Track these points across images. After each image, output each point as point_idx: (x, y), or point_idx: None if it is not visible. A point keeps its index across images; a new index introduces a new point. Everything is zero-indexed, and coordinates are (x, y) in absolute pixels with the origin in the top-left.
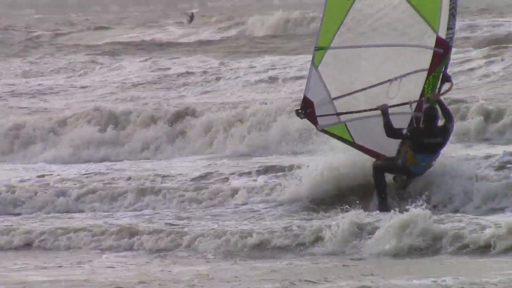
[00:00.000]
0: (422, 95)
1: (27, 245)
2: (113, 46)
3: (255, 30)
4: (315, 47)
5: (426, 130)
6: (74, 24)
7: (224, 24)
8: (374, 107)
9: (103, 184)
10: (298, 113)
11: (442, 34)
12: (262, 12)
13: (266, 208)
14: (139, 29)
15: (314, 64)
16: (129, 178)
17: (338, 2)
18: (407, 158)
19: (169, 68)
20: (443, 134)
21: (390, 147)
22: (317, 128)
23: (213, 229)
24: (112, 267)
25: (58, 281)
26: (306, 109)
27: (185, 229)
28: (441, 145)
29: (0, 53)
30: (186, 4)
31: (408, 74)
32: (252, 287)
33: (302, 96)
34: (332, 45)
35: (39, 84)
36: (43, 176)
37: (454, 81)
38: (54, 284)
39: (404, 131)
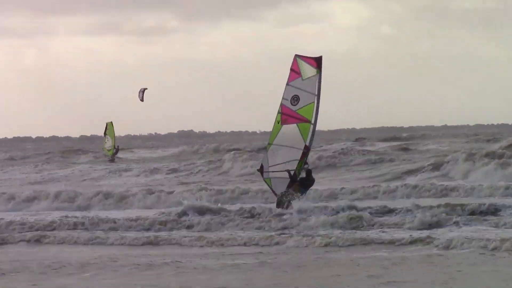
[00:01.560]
0: (297, 168)
1: None
2: None
3: None
4: (268, 143)
5: (306, 179)
6: None
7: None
8: (284, 171)
9: None
10: (257, 170)
11: (307, 143)
12: None
13: None
14: None
15: (267, 150)
16: None
17: (277, 126)
18: (295, 188)
19: None
20: (311, 181)
21: (281, 189)
22: (263, 177)
23: None
24: None
25: None
26: (261, 169)
27: None
28: (310, 186)
29: None
30: None
31: (292, 161)
32: None
33: (260, 163)
34: (273, 143)
35: None
36: None
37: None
38: None
39: (298, 178)
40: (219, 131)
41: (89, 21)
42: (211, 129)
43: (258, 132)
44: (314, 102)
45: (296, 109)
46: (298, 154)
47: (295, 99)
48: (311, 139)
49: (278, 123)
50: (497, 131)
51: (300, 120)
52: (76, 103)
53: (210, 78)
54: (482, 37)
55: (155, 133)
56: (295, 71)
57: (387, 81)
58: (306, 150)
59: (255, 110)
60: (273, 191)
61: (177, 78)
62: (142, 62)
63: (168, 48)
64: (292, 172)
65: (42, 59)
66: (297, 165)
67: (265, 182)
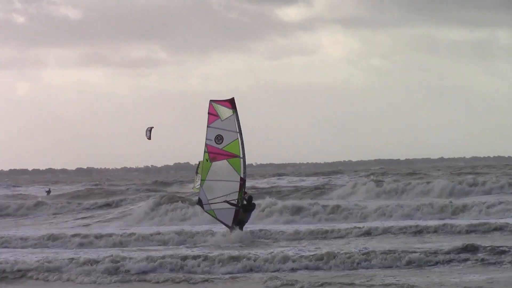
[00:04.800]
0: (238, 198)
1: None
2: None
3: None
4: (201, 179)
5: (248, 205)
6: None
7: None
8: (224, 202)
9: None
10: (197, 203)
11: (242, 175)
12: None
13: None
14: None
15: (201, 185)
16: None
17: (206, 163)
18: (241, 214)
19: None
20: (253, 206)
21: (229, 220)
22: (204, 210)
23: None
24: None
25: None
26: (200, 202)
27: None
28: (252, 210)
29: None
30: None
31: (232, 193)
32: None
33: (198, 197)
34: (206, 179)
35: None
36: None
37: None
38: None
39: (239, 205)
40: None
41: (78, 53)
42: None
43: (254, 164)
44: (238, 138)
45: (222, 147)
46: (236, 186)
47: (219, 139)
48: (244, 171)
49: (207, 161)
50: (489, 164)
51: (229, 156)
52: (69, 135)
53: (202, 110)
54: (473, 67)
55: (152, 165)
56: (213, 114)
57: (380, 113)
58: (242, 181)
59: (247, 142)
60: (222, 222)
61: (170, 110)
62: (134, 94)
63: (159, 80)
64: (235, 201)
65: (34, 90)
66: (238, 195)
67: (208, 213)
